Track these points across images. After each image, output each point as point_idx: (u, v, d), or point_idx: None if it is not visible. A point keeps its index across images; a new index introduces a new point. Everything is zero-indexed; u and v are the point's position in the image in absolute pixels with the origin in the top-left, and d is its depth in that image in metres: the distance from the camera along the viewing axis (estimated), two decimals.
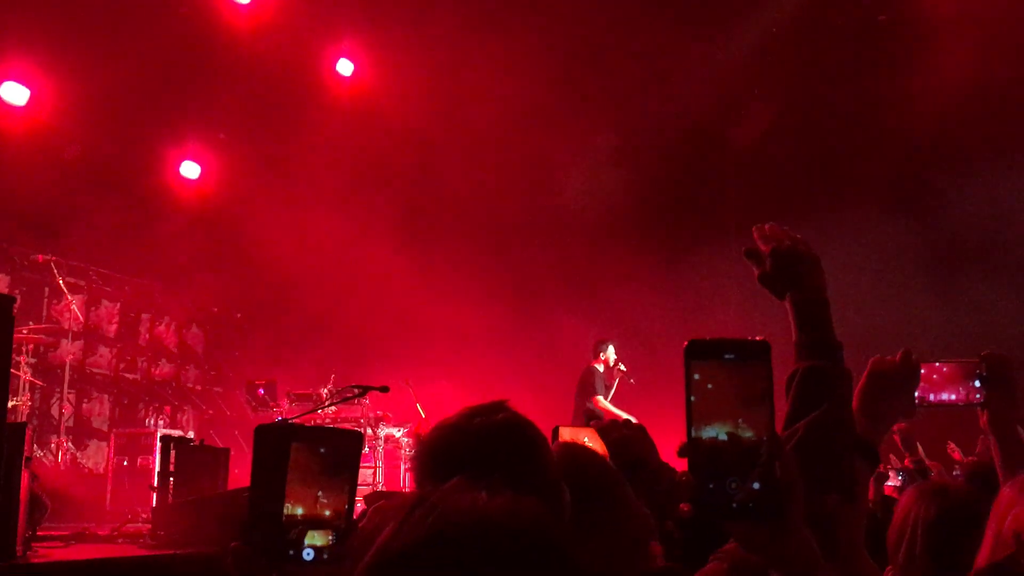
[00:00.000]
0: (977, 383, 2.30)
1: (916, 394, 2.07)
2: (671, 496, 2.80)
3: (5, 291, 10.05)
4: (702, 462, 1.19)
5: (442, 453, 1.80)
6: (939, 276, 11.65)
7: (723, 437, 1.19)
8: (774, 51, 12.24)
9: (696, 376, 1.20)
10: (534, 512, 1.13)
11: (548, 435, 2.13)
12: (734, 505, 1.18)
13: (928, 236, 11.84)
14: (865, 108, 12.08)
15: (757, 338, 1.22)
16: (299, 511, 1.73)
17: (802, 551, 1.24)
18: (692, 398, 1.20)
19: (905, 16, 11.60)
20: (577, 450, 2.27)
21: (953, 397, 2.30)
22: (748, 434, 1.19)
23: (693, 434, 1.20)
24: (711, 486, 1.18)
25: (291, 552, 1.72)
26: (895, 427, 6.94)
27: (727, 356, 1.21)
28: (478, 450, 1.79)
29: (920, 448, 5.61)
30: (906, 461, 5.46)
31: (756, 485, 1.18)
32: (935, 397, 2.27)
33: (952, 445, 8.40)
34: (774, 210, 12.68)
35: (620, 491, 2.18)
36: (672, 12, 11.76)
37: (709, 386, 1.20)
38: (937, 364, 2.29)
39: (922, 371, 2.16)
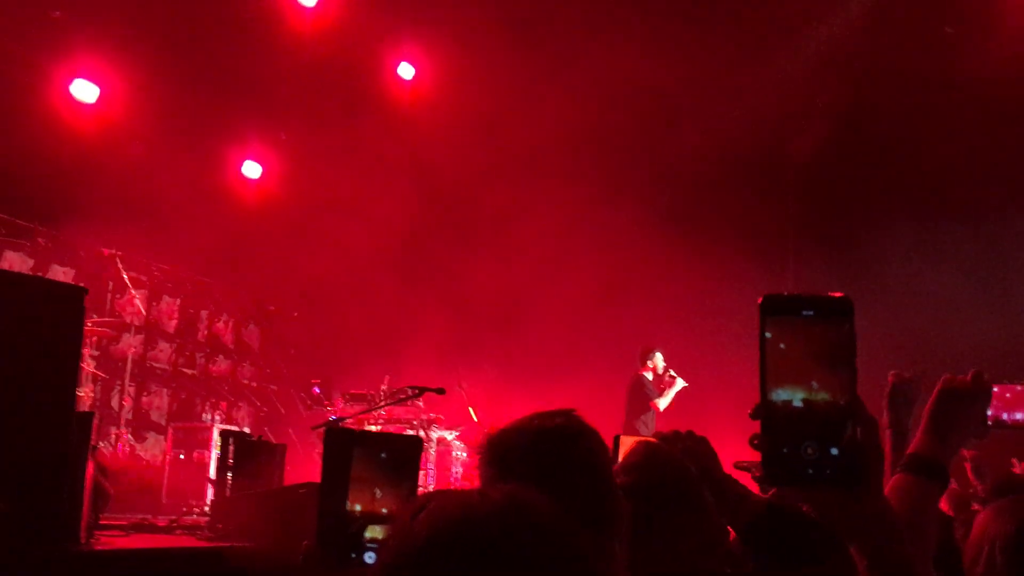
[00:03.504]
0: None
1: (989, 413, 2.04)
2: (736, 511, 2.78)
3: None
4: (775, 426, 1.12)
5: (499, 452, 1.85)
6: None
7: (798, 400, 1.12)
8: (838, 63, 12.09)
9: (769, 334, 1.14)
10: (531, 508, 1.12)
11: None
12: (809, 471, 1.11)
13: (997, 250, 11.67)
14: (931, 120, 11.86)
15: (838, 294, 1.15)
16: (357, 507, 1.78)
17: (882, 521, 1.18)
18: (765, 358, 1.13)
19: (973, 28, 11.38)
20: (657, 450, 2.28)
21: None
22: (823, 397, 1.11)
23: (766, 397, 1.13)
24: (785, 451, 1.12)
25: (353, 555, 1.77)
26: (967, 454, 6.86)
27: (805, 313, 1.14)
28: (535, 451, 1.83)
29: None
30: (979, 489, 5.36)
31: (834, 451, 1.11)
32: (1009, 417, 2.23)
33: (1015, 461, 8.26)
34: (831, 222, 12.62)
35: (697, 495, 2.18)
36: (734, 24, 11.68)
37: (782, 345, 1.13)
38: (1011, 385, 2.24)
39: (995, 390, 2.12)
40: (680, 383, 10.94)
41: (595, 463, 1.91)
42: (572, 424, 1.93)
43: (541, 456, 1.84)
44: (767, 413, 1.13)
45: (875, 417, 1.17)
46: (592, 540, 1.12)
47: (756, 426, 1.17)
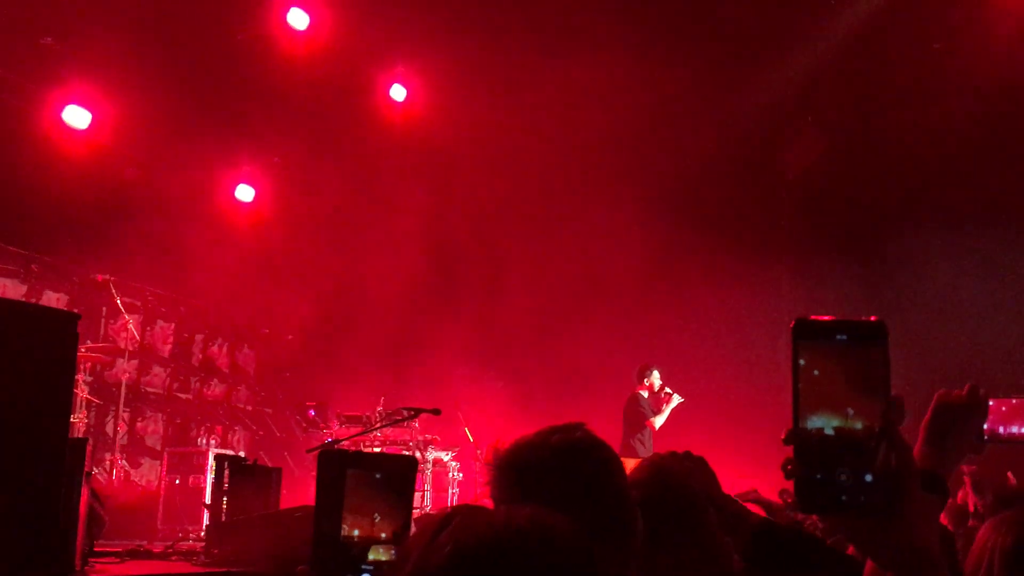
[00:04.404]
0: None
1: (985, 426, 2.04)
2: (735, 529, 2.79)
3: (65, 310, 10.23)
4: (808, 453, 1.11)
5: (516, 467, 1.85)
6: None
7: (831, 429, 1.11)
8: (828, 78, 12.14)
9: (802, 361, 1.12)
10: (554, 531, 1.13)
11: None
12: (843, 498, 1.10)
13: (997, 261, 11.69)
14: (920, 135, 11.90)
15: (871, 318, 1.14)
16: (356, 533, 1.78)
17: (918, 550, 1.16)
18: (799, 384, 1.12)
19: (959, 43, 11.43)
20: (662, 466, 2.29)
21: None
22: (859, 424, 1.11)
23: (799, 423, 1.12)
24: (818, 477, 1.11)
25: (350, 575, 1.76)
26: (967, 470, 6.86)
27: (839, 337, 1.12)
28: (552, 466, 1.84)
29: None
30: (978, 504, 5.34)
31: (868, 477, 1.10)
32: (1005, 430, 2.23)
33: (1010, 475, 8.25)
34: (825, 236, 12.64)
35: (700, 510, 2.19)
36: (724, 38, 11.73)
37: (816, 371, 1.12)
38: (1007, 399, 2.25)
39: (991, 404, 2.12)
40: (676, 399, 10.87)
41: (614, 478, 1.93)
42: (589, 438, 1.95)
43: (562, 471, 1.85)
44: (800, 439, 1.12)
45: (909, 443, 1.15)
46: (609, 558, 1.12)
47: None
